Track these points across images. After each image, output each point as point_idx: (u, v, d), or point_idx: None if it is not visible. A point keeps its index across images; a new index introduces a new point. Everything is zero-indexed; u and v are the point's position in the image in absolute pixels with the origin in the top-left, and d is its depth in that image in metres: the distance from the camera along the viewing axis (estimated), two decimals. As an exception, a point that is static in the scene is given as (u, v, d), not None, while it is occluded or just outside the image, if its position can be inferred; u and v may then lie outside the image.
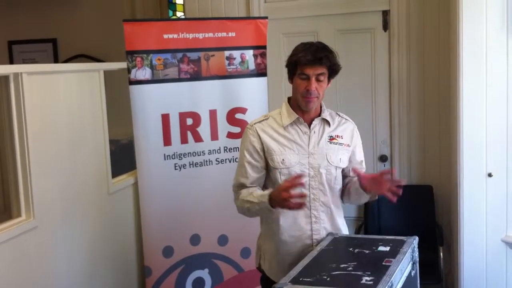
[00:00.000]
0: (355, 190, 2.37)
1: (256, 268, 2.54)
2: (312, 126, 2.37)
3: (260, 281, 2.52)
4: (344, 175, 2.47)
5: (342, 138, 2.40)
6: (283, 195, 2.10)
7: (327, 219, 2.38)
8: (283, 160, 2.33)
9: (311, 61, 2.24)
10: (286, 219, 2.34)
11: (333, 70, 2.31)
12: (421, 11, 3.84)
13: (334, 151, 2.37)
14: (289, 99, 2.42)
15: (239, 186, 2.40)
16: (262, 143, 2.36)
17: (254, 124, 2.42)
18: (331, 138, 2.38)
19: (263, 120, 2.42)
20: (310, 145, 2.35)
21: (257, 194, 2.28)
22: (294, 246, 2.36)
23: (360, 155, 2.49)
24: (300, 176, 2.16)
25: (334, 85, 3.94)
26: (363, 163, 2.51)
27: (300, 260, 2.16)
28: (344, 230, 2.47)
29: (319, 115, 2.39)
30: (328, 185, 2.36)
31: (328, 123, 2.39)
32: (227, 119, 3.67)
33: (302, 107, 2.34)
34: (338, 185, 2.41)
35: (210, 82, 3.62)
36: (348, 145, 2.42)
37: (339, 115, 2.48)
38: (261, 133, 2.38)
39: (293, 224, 2.34)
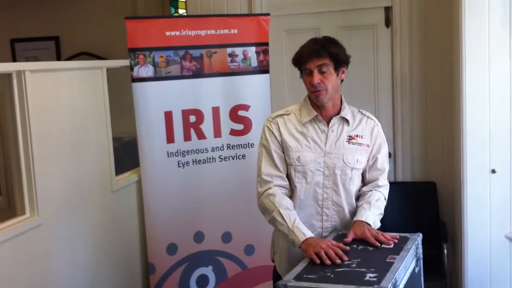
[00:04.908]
0: None
1: (271, 260, 2.54)
2: (330, 124, 2.33)
3: (272, 273, 2.52)
4: (364, 176, 2.42)
5: (361, 137, 2.36)
6: (321, 254, 2.04)
7: (339, 218, 2.36)
8: (298, 157, 2.31)
9: (309, 54, 2.24)
10: (298, 216, 2.29)
11: (337, 60, 2.26)
12: (423, 7, 3.83)
13: (351, 152, 2.33)
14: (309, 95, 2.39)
15: (270, 176, 2.32)
16: (281, 137, 2.34)
17: (276, 117, 2.39)
18: (350, 138, 2.34)
19: (284, 114, 2.39)
20: (327, 144, 2.31)
21: (296, 225, 2.18)
22: None
23: (382, 163, 2.38)
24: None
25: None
26: (384, 173, 2.40)
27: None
28: None
29: (339, 112, 2.36)
30: (342, 186, 2.33)
31: (347, 121, 2.36)
32: (230, 116, 3.67)
33: (315, 102, 2.32)
34: (354, 185, 2.36)
35: (212, 79, 3.62)
36: (368, 145, 2.37)
37: (361, 113, 2.43)
38: (281, 127, 2.35)
39: (304, 221, 2.30)
